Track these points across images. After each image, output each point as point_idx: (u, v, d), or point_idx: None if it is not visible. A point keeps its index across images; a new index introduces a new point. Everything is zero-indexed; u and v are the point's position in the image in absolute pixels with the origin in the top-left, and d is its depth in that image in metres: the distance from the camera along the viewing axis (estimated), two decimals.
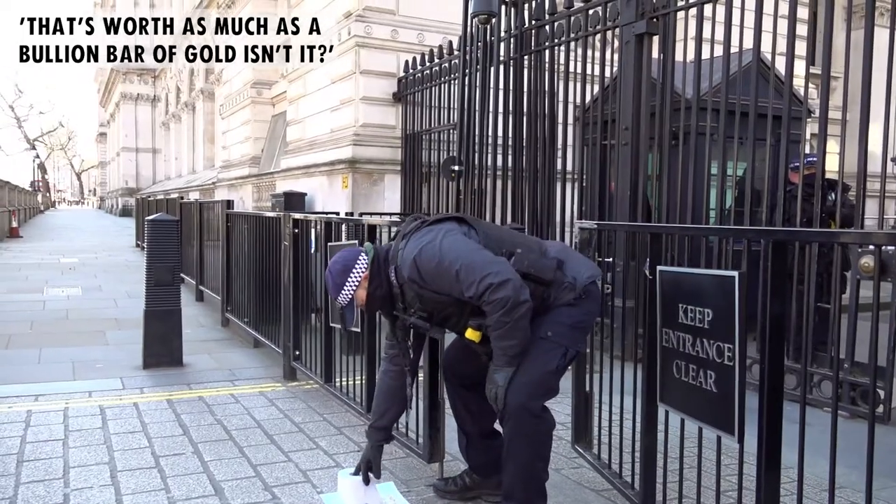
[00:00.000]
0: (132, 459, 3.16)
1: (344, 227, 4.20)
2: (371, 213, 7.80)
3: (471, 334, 2.42)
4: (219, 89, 20.61)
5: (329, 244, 3.98)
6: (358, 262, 2.52)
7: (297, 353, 4.58)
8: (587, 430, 3.17)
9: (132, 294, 8.15)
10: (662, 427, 2.51)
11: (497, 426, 2.59)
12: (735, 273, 1.97)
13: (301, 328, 4.58)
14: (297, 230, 4.52)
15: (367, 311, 2.70)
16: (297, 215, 4.63)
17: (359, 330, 3.52)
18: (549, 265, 2.44)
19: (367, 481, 2.66)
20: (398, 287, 2.52)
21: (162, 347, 4.92)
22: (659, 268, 2.38)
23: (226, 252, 6.51)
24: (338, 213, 6.78)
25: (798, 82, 5.36)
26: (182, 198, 11.73)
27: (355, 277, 2.50)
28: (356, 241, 3.60)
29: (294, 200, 10.04)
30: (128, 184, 37.29)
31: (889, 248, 3.80)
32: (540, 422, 2.39)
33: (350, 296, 2.51)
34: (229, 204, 6.95)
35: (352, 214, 7.57)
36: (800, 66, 4.84)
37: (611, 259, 3.09)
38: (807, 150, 5.08)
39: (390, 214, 8.23)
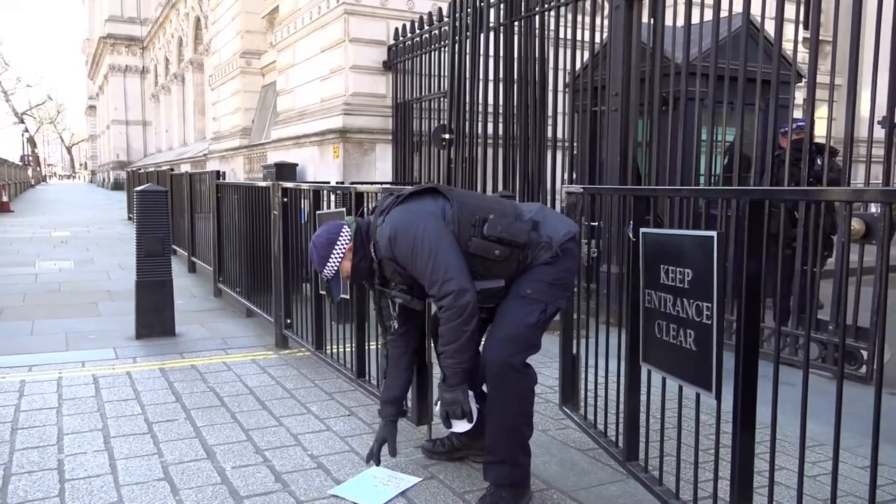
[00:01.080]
0: (125, 426, 3.21)
1: (333, 195, 4.21)
2: (362, 182, 7.77)
3: None
4: (208, 60, 20.38)
5: (317, 212, 3.99)
6: (341, 234, 2.54)
7: (289, 321, 4.61)
8: (574, 392, 3.23)
9: (124, 266, 8.15)
10: (652, 388, 2.55)
11: (484, 388, 2.63)
12: (714, 233, 2.00)
13: (292, 297, 4.60)
14: (286, 199, 4.52)
15: (353, 281, 2.72)
16: (287, 184, 4.63)
17: (348, 297, 3.54)
18: (524, 228, 2.45)
19: (378, 462, 2.69)
20: (377, 262, 2.55)
21: (154, 318, 4.95)
22: (642, 230, 2.41)
23: (217, 223, 6.51)
24: (328, 183, 6.77)
25: (789, 46, 5.34)
26: (172, 170, 11.66)
27: (340, 249, 2.53)
28: (344, 209, 3.60)
29: (285, 171, 10.00)
30: (119, 157, 37.02)
31: (872, 208, 3.82)
32: (522, 377, 2.42)
33: (335, 268, 2.54)
34: (219, 175, 6.92)
35: (343, 184, 7.57)
36: (791, 30, 4.81)
37: (597, 223, 3.10)
38: (797, 115, 5.08)
39: (381, 183, 8.22)
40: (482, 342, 2.52)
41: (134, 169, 22.46)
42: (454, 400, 2.43)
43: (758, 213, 1.94)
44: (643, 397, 2.55)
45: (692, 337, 2.10)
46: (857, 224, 3.91)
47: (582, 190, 3.19)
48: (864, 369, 4.01)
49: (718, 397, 2.03)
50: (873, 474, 1.69)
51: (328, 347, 4.10)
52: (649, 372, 2.46)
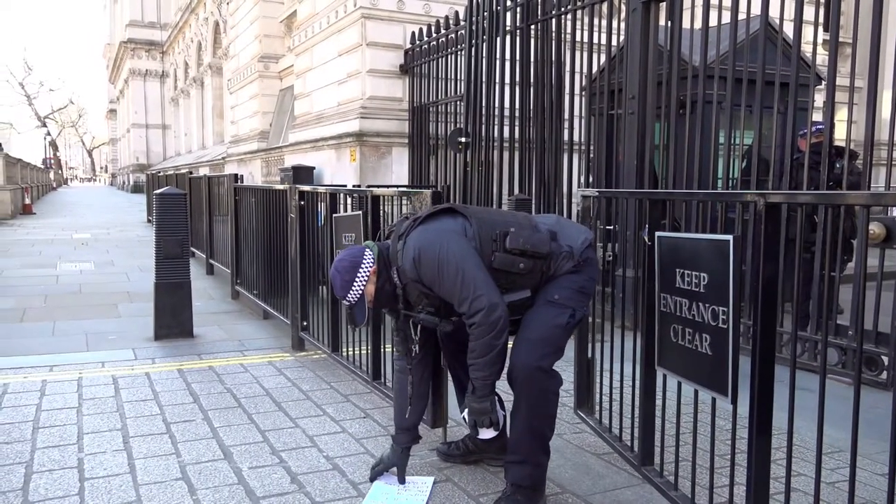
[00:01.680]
0: (144, 426, 3.24)
1: (349, 198, 4.23)
2: (379, 186, 7.81)
3: None
4: (226, 64, 20.56)
5: (334, 215, 4.01)
6: (364, 257, 2.49)
7: (305, 323, 4.64)
8: (589, 396, 3.22)
9: (143, 268, 8.25)
10: (667, 392, 2.54)
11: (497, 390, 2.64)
12: (730, 237, 1.98)
13: (308, 300, 4.63)
14: (303, 202, 4.55)
15: (376, 307, 2.62)
16: (304, 187, 4.66)
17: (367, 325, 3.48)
18: (544, 238, 2.45)
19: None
20: (401, 287, 2.51)
21: (172, 319, 5.00)
22: (657, 233, 2.40)
23: (234, 226, 6.56)
24: (345, 186, 6.81)
25: (808, 48, 5.29)
26: (191, 173, 11.78)
27: (364, 273, 2.47)
28: (360, 212, 3.62)
29: (302, 174, 10.04)
30: (138, 160, 37.45)
31: (894, 212, 3.77)
32: (549, 379, 2.43)
33: (360, 292, 2.47)
34: (237, 178, 6.98)
35: (359, 187, 7.60)
36: (810, 32, 4.77)
37: (612, 227, 3.10)
38: (816, 118, 5.03)
39: (397, 186, 8.25)
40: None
41: (153, 172, 22.72)
42: (483, 410, 2.43)
43: (774, 217, 1.93)
44: (658, 402, 2.54)
45: (708, 341, 2.08)
46: (877, 228, 3.86)
47: (598, 193, 3.18)
48: (884, 375, 3.95)
49: (734, 401, 2.02)
50: (892, 482, 1.67)
51: (344, 350, 4.12)
52: (664, 376, 2.45)
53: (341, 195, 4.24)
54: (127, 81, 39.90)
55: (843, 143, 4.84)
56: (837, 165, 5.09)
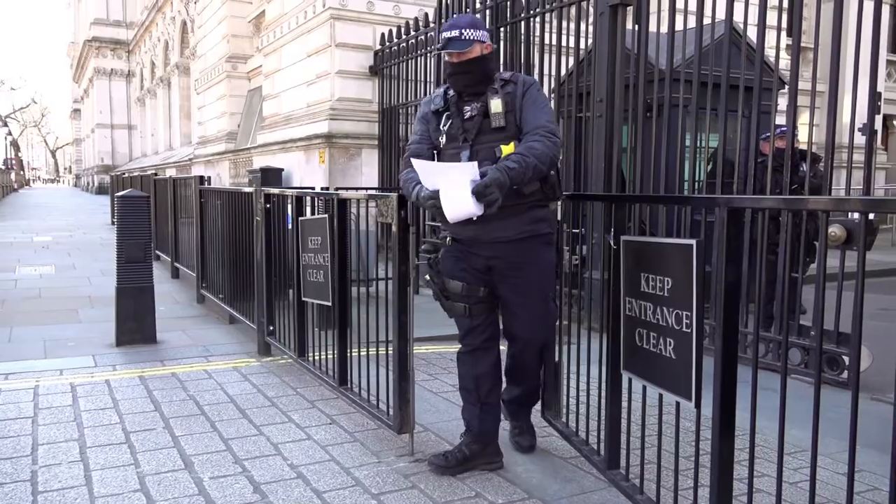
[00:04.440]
0: (102, 436, 3.15)
1: (317, 201, 4.17)
2: (347, 188, 7.75)
3: (507, 151, 2.56)
4: (194, 64, 20.28)
5: (300, 218, 3.96)
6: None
7: (271, 328, 4.57)
8: (556, 400, 3.21)
9: (106, 272, 8.05)
10: (634, 395, 2.54)
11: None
12: (693, 241, 1.98)
13: (275, 304, 4.56)
14: (269, 205, 4.48)
15: (465, 71, 2.64)
16: (271, 190, 4.59)
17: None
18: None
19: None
20: (501, 84, 2.64)
21: (134, 325, 4.89)
22: (623, 237, 2.40)
23: (200, 229, 6.45)
24: (313, 188, 6.74)
25: (772, 53, 5.37)
26: (157, 174, 11.57)
27: (486, 33, 2.66)
28: (325, 216, 3.57)
29: (271, 176, 9.88)
30: (103, 161, 36.71)
31: (854, 216, 3.85)
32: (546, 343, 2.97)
33: (482, 38, 2.60)
34: (203, 180, 6.86)
35: (328, 189, 7.52)
36: (773, 37, 4.84)
37: (579, 230, 3.11)
38: (780, 121, 5.10)
39: (366, 188, 8.20)
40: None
41: (118, 173, 22.28)
42: (501, 184, 2.43)
43: (737, 221, 1.94)
44: (625, 405, 2.54)
45: (672, 345, 2.08)
46: (837, 230, 3.92)
47: (564, 196, 3.17)
48: (845, 374, 4.02)
49: (698, 405, 2.02)
50: (851, 481, 1.68)
51: (310, 355, 4.06)
52: (630, 380, 2.45)
53: (307, 198, 4.18)
54: (92, 81, 39.09)
55: (805, 147, 4.91)
56: (801, 168, 5.17)
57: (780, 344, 4.37)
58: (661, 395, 2.25)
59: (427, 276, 2.85)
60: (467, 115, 2.66)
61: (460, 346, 2.87)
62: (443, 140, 2.69)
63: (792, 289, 4.33)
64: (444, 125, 2.69)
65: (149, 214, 5.07)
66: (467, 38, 2.56)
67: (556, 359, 3.13)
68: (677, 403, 2.17)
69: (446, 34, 2.62)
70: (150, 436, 3.16)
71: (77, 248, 10.89)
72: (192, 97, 21.32)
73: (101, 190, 33.25)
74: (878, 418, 2.74)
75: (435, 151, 2.73)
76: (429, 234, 7.43)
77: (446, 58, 2.65)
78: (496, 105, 2.60)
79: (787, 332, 4.18)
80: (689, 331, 1.99)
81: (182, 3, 23.55)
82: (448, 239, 2.76)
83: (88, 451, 2.98)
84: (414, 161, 2.67)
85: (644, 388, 2.37)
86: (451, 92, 2.72)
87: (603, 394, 2.64)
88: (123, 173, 21.04)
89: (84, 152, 48.04)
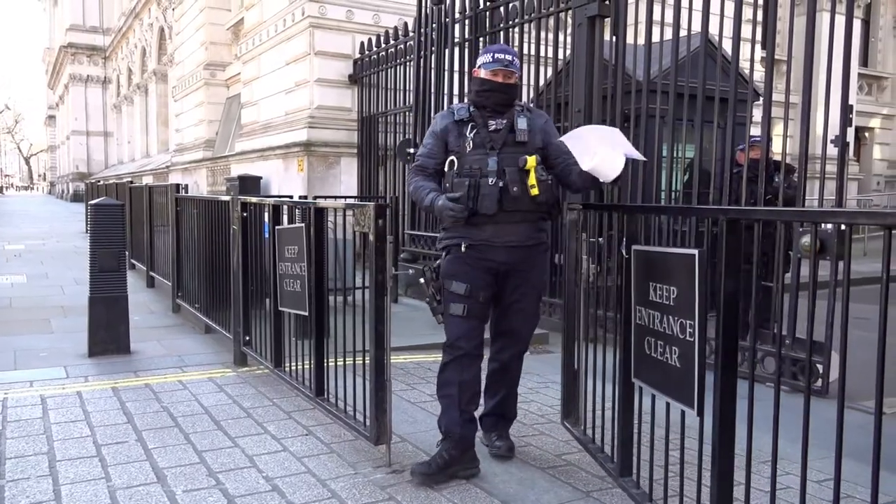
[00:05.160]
0: (72, 449, 3.09)
1: (296, 210, 4.14)
2: (326, 197, 7.72)
3: (531, 162, 2.83)
4: (171, 71, 20.12)
5: (277, 227, 3.92)
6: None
7: (248, 338, 4.52)
8: (575, 407, 3.21)
9: (80, 281, 7.91)
10: (648, 404, 2.53)
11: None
12: (695, 251, 2.02)
13: (251, 313, 4.51)
14: (245, 214, 4.44)
15: (504, 91, 2.95)
16: (250, 199, 4.55)
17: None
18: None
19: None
20: (526, 109, 3.00)
21: (108, 335, 4.80)
22: (634, 247, 2.42)
23: (176, 237, 6.37)
24: (291, 197, 6.70)
25: (747, 66, 5.45)
26: (132, 182, 11.43)
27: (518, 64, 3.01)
28: (302, 225, 3.55)
29: (249, 184, 9.87)
30: (78, 168, 36.20)
31: (828, 226, 3.88)
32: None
33: (519, 69, 2.97)
34: (179, 188, 6.79)
35: (306, 198, 7.48)
36: (749, 50, 4.90)
37: (595, 240, 3.14)
38: (755, 132, 5.17)
39: (344, 197, 8.17)
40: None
41: (94, 181, 22.00)
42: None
43: (735, 232, 1.96)
44: (638, 412, 2.56)
45: (676, 354, 2.11)
46: (810, 241, 3.98)
47: (581, 206, 3.18)
48: (819, 382, 4.06)
49: (700, 413, 2.04)
50: (803, 484, 1.69)
51: (287, 365, 4.02)
52: (640, 388, 2.47)
53: (285, 207, 4.15)
54: (67, 87, 38.57)
55: (779, 158, 4.98)
56: (775, 179, 5.23)
57: (756, 353, 4.41)
58: (668, 404, 2.27)
59: (421, 280, 3.01)
60: (492, 127, 2.92)
61: (444, 353, 2.91)
62: (469, 147, 2.90)
63: (766, 298, 4.37)
64: (471, 133, 2.92)
65: (123, 223, 5.00)
66: (516, 65, 2.96)
67: (575, 367, 3.13)
68: (682, 412, 2.19)
69: (500, 56, 2.95)
70: (122, 448, 3.10)
71: (50, 256, 10.71)
72: (170, 104, 21.13)
73: (76, 197, 32.77)
74: (852, 426, 2.76)
75: (454, 157, 2.92)
76: (408, 243, 7.42)
77: (489, 76, 2.93)
78: (522, 123, 2.93)
79: (754, 341, 4.22)
80: (692, 339, 2.01)
81: (160, 9, 23.37)
82: (463, 245, 2.88)
83: (58, 464, 2.91)
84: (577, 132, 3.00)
85: (653, 396, 2.38)
86: (473, 108, 2.99)
87: (616, 402, 2.66)
88: (99, 181, 20.81)
89: (59, 159, 47.37)
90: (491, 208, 2.79)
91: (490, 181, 2.80)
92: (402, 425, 3.38)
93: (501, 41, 6.26)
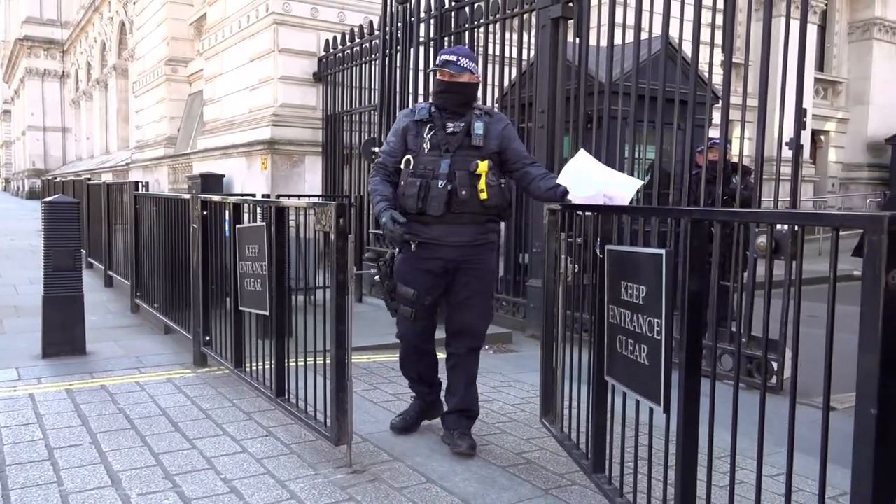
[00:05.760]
0: (23, 453, 3.00)
1: (258, 208, 4.09)
2: (289, 195, 7.63)
3: (482, 167, 2.94)
4: (132, 66, 19.71)
5: (238, 226, 3.87)
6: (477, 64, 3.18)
7: (208, 338, 4.44)
8: (553, 405, 3.21)
9: (34, 280, 7.69)
10: (620, 400, 2.55)
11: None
12: (662, 251, 2.05)
13: (211, 313, 4.44)
14: (206, 212, 4.37)
15: (455, 91, 3.04)
16: (211, 197, 4.48)
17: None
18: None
19: None
20: (486, 113, 3.08)
21: (62, 335, 4.68)
22: (607, 247, 2.45)
23: (135, 236, 6.25)
24: (254, 195, 6.62)
25: (708, 69, 5.56)
26: (90, 179, 11.17)
27: (477, 67, 3.11)
28: (263, 224, 3.51)
29: (211, 182, 9.63)
30: (35, 165, 35.27)
31: (783, 227, 3.98)
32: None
33: (472, 69, 3.03)
34: (138, 185, 6.66)
35: (269, 196, 7.40)
36: (708, 53, 5.01)
37: (573, 240, 3.16)
38: (715, 134, 5.27)
39: (308, 196, 8.10)
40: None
41: (50, 178, 21.45)
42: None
43: (700, 232, 1.99)
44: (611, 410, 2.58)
45: (645, 352, 2.15)
46: (764, 241, 4.07)
47: (560, 207, 3.17)
48: (774, 379, 4.16)
49: (667, 410, 2.08)
50: (759, 479, 1.73)
51: (248, 365, 3.97)
52: (613, 386, 2.50)
53: (245, 206, 4.10)
54: (23, 81, 37.52)
55: (744, 159, 5.09)
56: (733, 180, 5.34)
57: (713, 351, 4.49)
58: (637, 401, 2.31)
59: (377, 277, 3.14)
60: (450, 129, 3.01)
61: (400, 343, 3.24)
62: (426, 147, 3.00)
63: (723, 297, 4.46)
64: (429, 134, 3.01)
65: (78, 221, 4.88)
66: (462, 65, 3.00)
67: (553, 365, 3.15)
68: (651, 409, 2.22)
69: (445, 57, 3.05)
70: (75, 452, 3.03)
71: (4, 255, 10.41)
72: (131, 100, 20.69)
73: (32, 195, 31.91)
74: (805, 421, 2.83)
75: (411, 156, 3.02)
76: (372, 242, 7.39)
77: (439, 76, 3.03)
78: (478, 127, 3.00)
79: (716, 339, 4.31)
80: (659, 338, 2.05)
81: (120, 3, 22.89)
82: (413, 244, 3.02)
83: (8, 469, 2.83)
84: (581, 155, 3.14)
85: (624, 393, 2.41)
86: (434, 108, 3.08)
87: (589, 399, 2.68)
88: (56, 178, 20.29)
89: (14, 155, 46.02)
90: (438, 210, 2.93)
91: (440, 183, 2.92)
92: (364, 425, 3.37)
93: (466, 41, 6.28)
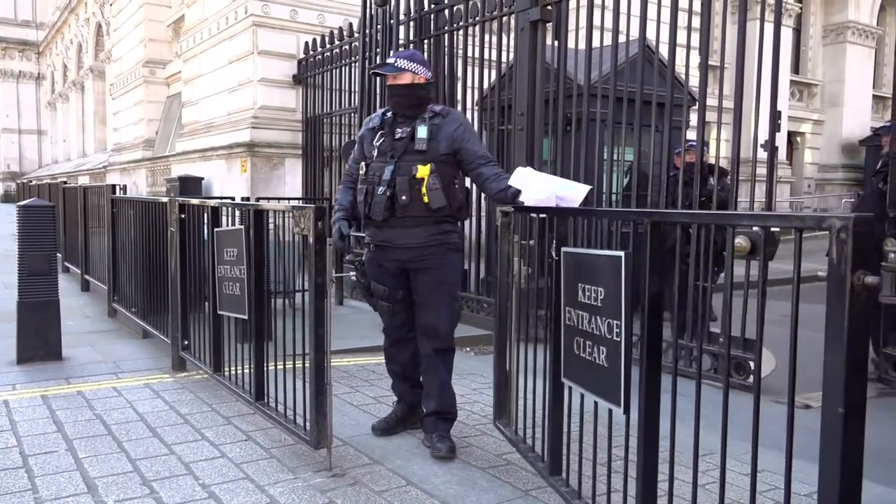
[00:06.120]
0: None
1: (230, 212, 4.07)
2: (269, 198, 7.60)
3: (421, 172, 2.97)
4: (109, 67, 19.50)
5: (216, 230, 3.84)
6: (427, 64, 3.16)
7: (186, 342, 4.41)
8: (507, 408, 3.21)
9: (9, 285, 7.57)
10: (578, 403, 2.55)
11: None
12: (622, 253, 2.05)
13: (190, 317, 4.40)
14: (184, 216, 4.34)
15: (398, 94, 3.08)
16: (189, 200, 4.44)
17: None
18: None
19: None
20: (431, 115, 3.05)
21: (38, 341, 4.62)
22: (563, 249, 2.45)
23: (112, 240, 6.18)
24: (233, 198, 6.57)
25: (685, 72, 5.60)
26: (67, 182, 11.03)
27: (422, 67, 3.08)
28: (241, 227, 3.49)
29: (190, 185, 9.64)
30: (10, 168, 34.74)
31: (755, 227, 4.03)
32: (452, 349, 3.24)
33: (413, 69, 3.02)
34: (115, 189, 6.59)
35: (249, 199, 7.35)
36: (690, 57, 5.05)
37: (527, 242, 3.18)
38: (692, 136, 5.33)
39: (288, 199, 8.06)
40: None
41: (26, 181, 21.15)
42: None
43: (659, 234, 2.01)
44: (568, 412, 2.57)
45: (604, 353, 2.15)
46: (743, 241, 4.11)
47: (513, 209, 3.18)
48: (751, 379, 4.21)
49: (627, 411, 2.08)
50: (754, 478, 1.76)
51: (227, 369, 3.94)
52: (569, 388, 2.50)
53: (224, 209, 4.07)
54: None
55: (714, 161, 5.14)
56: (710, 182, 5.40)
57: (692, 351, 4.54)
58: (595, 403, 2.31)
59: (354, 277, 3.23)
60: (398, 136, 3.06)
61: (384, 335, 3.34)
62: (374, 154, 3.07)
63: (702, 298, 4.50)
64: (378, 142, 3.08)
65: (54, 225, 4.82)
66: (399, 66, 3.03)
67: (507, 367, 3.15)
68: (610, 410, 2.23)
69: (388, 59, 3.15)
70: (50, 459, 2.99)
71: None
72: (108, 102, 20.46)
73: (7, 198, 31.42)
74: (781, 420, 2.87)
75: (364, 164, 3.12)
76: (353, 245, 7.36)
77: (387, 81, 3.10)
78: (422, 132, 3.01)
79: (702, 340, 4.36)
80: (619, 339, 2.06)
81: (97, 4, 22.63)
82: (371, 245, 3.16)
83: None
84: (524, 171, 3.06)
85: (582, 395, 2.41)
86: (389, 114, 3.14)
87: (545, 402, 2.68)
88: (31, 181, 20.01)
89: None
90: (380, 215, 3.01)
91: (380, 190, 3.00)
92: (344, 428, 3.36)
93: (446, 44, 6.29)
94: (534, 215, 2.99)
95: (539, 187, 2.82)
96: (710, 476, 2.92)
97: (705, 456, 3.07)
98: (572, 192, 2.81)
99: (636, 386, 2.05)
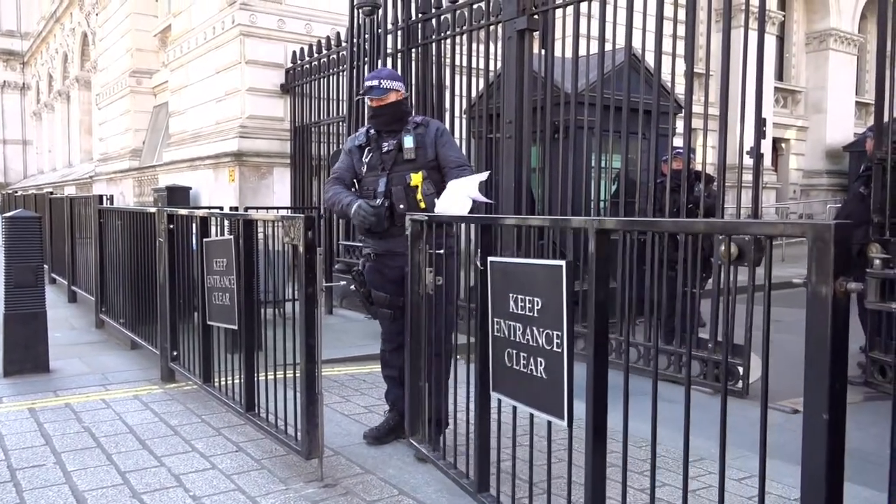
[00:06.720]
0: None
1: (226, 221, 4.06)
2: (258, 208, 7.59)
3: (415, 180, 3.10)
4: (95, 77, 19.41)
5: (205, 240, 3.83)
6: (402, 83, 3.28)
7: (175, 353, 4.39)
8: (421, 424, 3.10)
9: None
10: (508, 416, 2.50)
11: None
12: (562, 262, 2.00)
13: (179, 328, 4.38)
14: (172, 226, 4.32)
15: (383, 113, 3.21)
16: (177, 210, 4.43)
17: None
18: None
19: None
20: (414, 126, 3.17)
21: (24, 353, 4.58)
22: (490, 259, 2.40)
23: (99, 250, 6.14)
24: (222, 208, 6.56)
25: (671, 80, 5.66)
26: (53, 193, 10.95)
27: (401, 84, 3.23)
28: (231, 237, 3.48)
29: (178, 195, 9.57)
30: None
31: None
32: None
33: (393, 88, 3.17)
34: (102, 199, 6.56)
35: (237, 209, 7.34)
36: (676, 65, 5.10)
37: (442, 251, 3.18)
38: (679, 143, 5.37)
39: (277, 208, 8.05)
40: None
41: (11, 191, 20.98)
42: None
43: (605, 242, 1.95)
44: (496, 426, 2.50)
45: (542, 365, 2.09)
46: (731, 247, 4.16)
47: (427, 218, 3.13)
48: (739, 384, 4.24)
49: (570, 424, 2.03)
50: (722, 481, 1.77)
51: (217, 380, 3.92)
52: (499, 401, 2.43)
53: (212, 219, 4.06)
54: None
55: (701, 167, 5.19)
56: (697, 188, 5.45)
57: (681, 356, 4.57)
58: (531, 415, 2.24)
59: (352, 287, 3.25)
60: (385, 149, 3.19)
61: (383, 342, 3.40)
62: (364, 170, 3.21)
63: (690, 303, 4.53)
64: (366, 157, 3.21)
65: (40, 236, 4.79)
66: (385, 87, 3.16)
67: (421, 382, 3.05)
68: (549, 423, 2.16)
69: (368, 83, 3.21)
70: (38, 472, 2.96)
71: None
72: (94, 112, 20.34)
73: None
74: (770, 425, 2.90)
75: (356, 180, 3.26)
76: (343, 253, 7.36)
77: (368, 102, 3.22)
78: (409, 142, 3.15)
79: (690, 346, 4.38)
80: (560, 350, 2.00)
81: (83, 14, 22.52)
82: (372, 254, 3.26)
83: None
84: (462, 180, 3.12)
85: (514, 408, 2.35)
86: (372, 130, 3.26)
87: (473, 416, 2.60)
88: (17, 191, 19.86)
89: None
90: (380, 226, 3.13)
91: (377, 202, 3.09)
92: (335, 438, 3.35)
93: (434, 53, 6.31)
94: (463, 225, 3.05)
95: (453, 198, 2.93)
96: (699, 482, 2.94)
97: (692, 462, 3.10)
98: (473, 186, 2.94)
99: (580, 394, 1.99)
